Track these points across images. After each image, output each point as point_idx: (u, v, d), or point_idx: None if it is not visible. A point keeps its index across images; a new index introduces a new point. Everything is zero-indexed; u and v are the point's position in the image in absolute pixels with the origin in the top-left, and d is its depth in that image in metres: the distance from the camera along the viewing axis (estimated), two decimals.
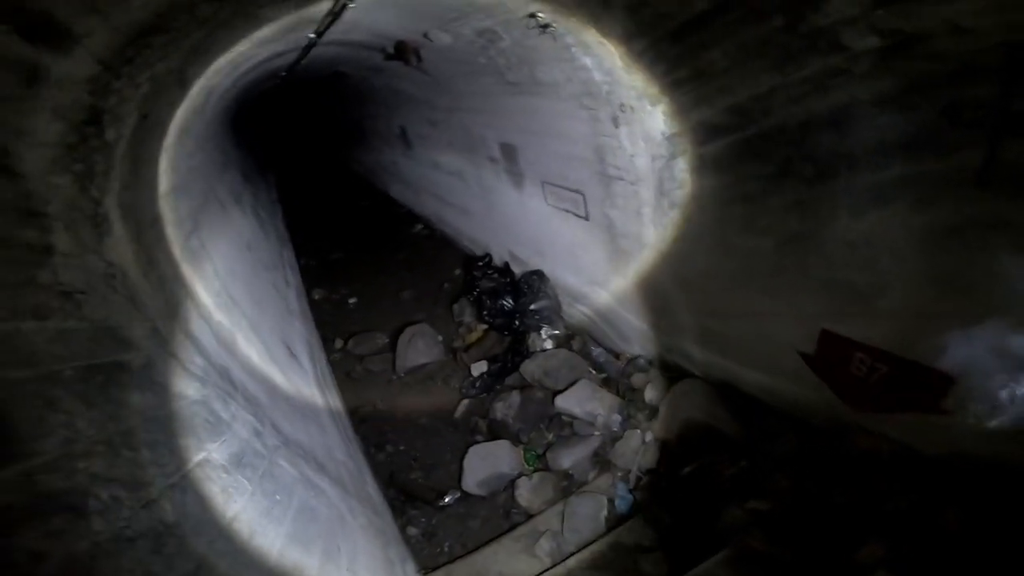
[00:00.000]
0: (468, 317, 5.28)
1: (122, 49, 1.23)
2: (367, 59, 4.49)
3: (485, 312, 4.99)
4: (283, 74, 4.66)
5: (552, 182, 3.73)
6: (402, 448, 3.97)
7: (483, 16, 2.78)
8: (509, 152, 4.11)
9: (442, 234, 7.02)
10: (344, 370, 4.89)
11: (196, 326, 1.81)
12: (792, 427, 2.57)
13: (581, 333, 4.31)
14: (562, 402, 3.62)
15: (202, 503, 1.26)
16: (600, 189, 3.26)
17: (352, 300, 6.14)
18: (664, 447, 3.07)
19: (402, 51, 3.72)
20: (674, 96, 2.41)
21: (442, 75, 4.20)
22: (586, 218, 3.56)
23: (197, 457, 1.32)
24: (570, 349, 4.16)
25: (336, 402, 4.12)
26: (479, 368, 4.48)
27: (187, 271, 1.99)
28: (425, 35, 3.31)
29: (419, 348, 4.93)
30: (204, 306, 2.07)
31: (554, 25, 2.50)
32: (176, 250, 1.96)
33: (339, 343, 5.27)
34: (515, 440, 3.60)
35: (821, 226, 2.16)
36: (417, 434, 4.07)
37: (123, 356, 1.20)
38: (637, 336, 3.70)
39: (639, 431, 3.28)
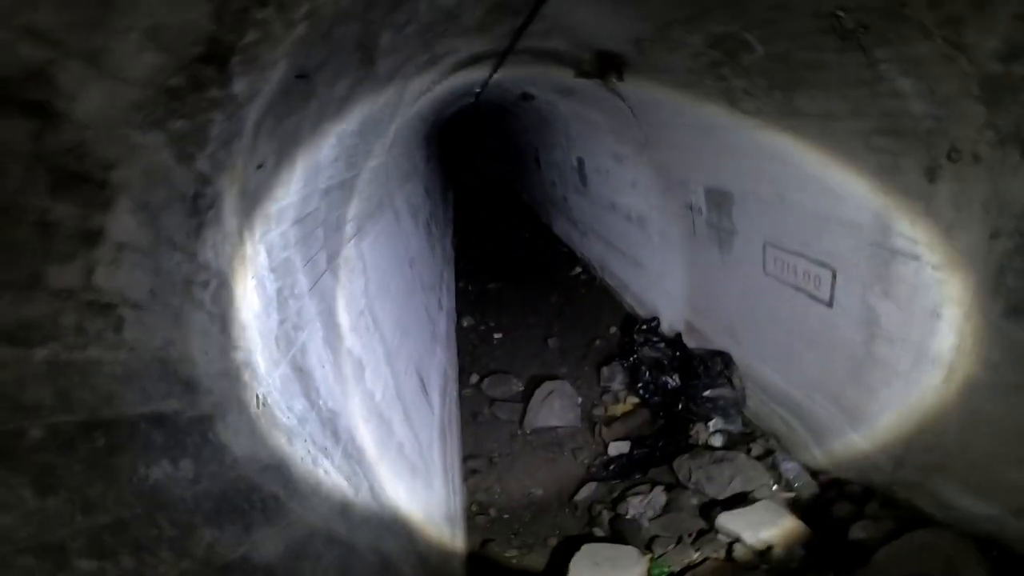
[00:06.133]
0: (618, 385, 4.67)
1: None
2: (557, 79, 4.13)
3: (640, 384, 4.36)
4: (477, 90, 4.62)
5: (782, 246, 2.79)
6: (506, 517, 3.45)
7: (729, 16, 2.07)
8: (719, 201, 3.29)
9: (603, 284, 6.39)
10: (472, 409, 4.61)
11: (315, 357, 1.42)
12: None
13: (768, 437, 3.37)
14: (728, 521, 2.74)
15: None
16: (868, 268, 2.25)
17: (497, 336, 5.89)
18: None
19: (605, 65, 3.19)
20: None
21: (642, 101, 3.60)
22: (828, 304, 2.55)
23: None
24: (747, 453, 3.31)
25: (454, 446, 3.68)
26: (619, 448, 3.87)
27: (329, 284, 1.66)
28: (636, 44, 2.72)
29: (554, 408, 4.42)
30: (338, 328, 1.71)
31: (862, 31, 1.68)
32: (323, 258, 1.64)
33: (475, 378, 5.04)
34: (644, 548, 2.89)
35: None
36: (526, 505, 3.54)
37: (167, 405, 0.77)
38: (858, 459, 2.66)
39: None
